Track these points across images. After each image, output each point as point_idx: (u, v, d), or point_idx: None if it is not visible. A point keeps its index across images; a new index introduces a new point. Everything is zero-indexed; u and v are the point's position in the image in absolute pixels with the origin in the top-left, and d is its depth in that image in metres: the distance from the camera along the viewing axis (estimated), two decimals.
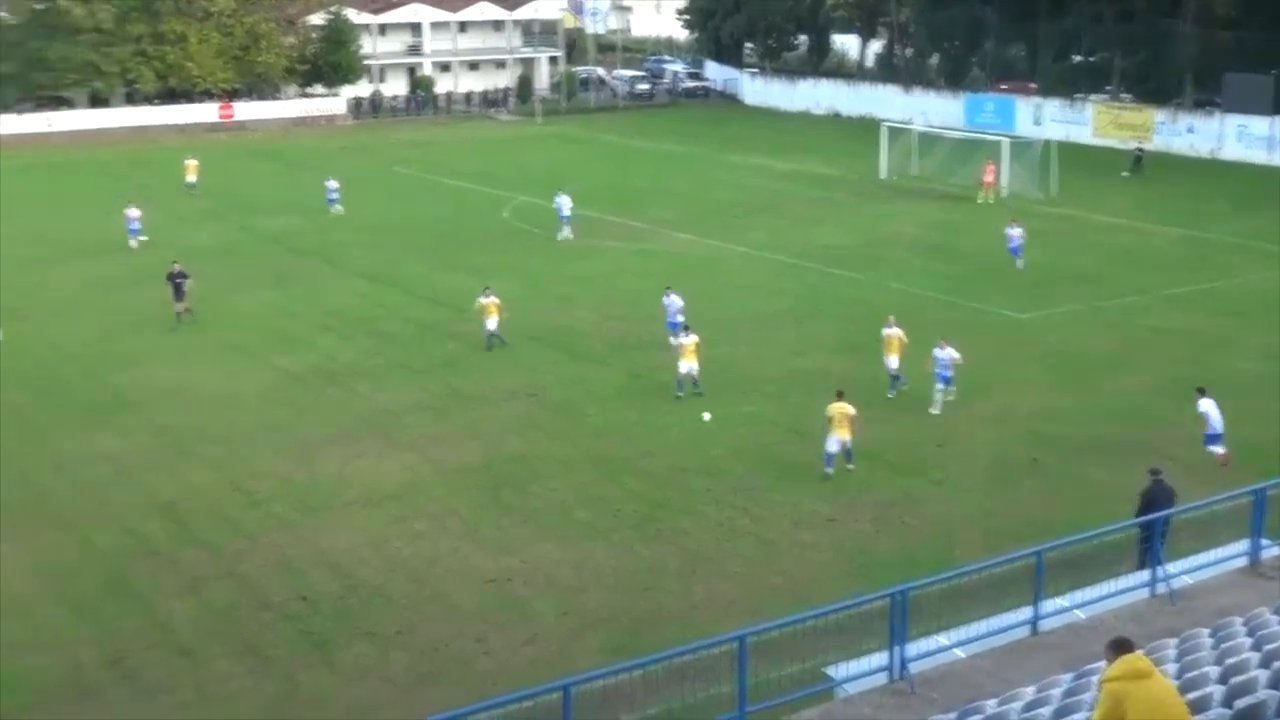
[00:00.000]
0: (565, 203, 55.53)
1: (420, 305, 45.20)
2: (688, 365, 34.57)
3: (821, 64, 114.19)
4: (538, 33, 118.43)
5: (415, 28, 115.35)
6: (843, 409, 29.10)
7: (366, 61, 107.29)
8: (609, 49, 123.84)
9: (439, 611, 23.79)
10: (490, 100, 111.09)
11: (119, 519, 27.87)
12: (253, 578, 25.15)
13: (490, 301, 39.52)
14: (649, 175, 74.20)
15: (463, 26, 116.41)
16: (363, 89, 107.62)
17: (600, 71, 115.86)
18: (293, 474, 29.91)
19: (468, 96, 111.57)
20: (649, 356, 38.25)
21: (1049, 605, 17.68)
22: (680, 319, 37.67)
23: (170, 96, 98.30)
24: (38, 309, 44.99)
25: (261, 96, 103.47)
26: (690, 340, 34.69)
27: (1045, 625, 17.56)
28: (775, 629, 16.10)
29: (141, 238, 54.55)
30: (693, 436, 32.07)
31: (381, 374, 37.83)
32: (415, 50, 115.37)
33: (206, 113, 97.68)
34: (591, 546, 26.40)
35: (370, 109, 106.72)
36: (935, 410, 32.97)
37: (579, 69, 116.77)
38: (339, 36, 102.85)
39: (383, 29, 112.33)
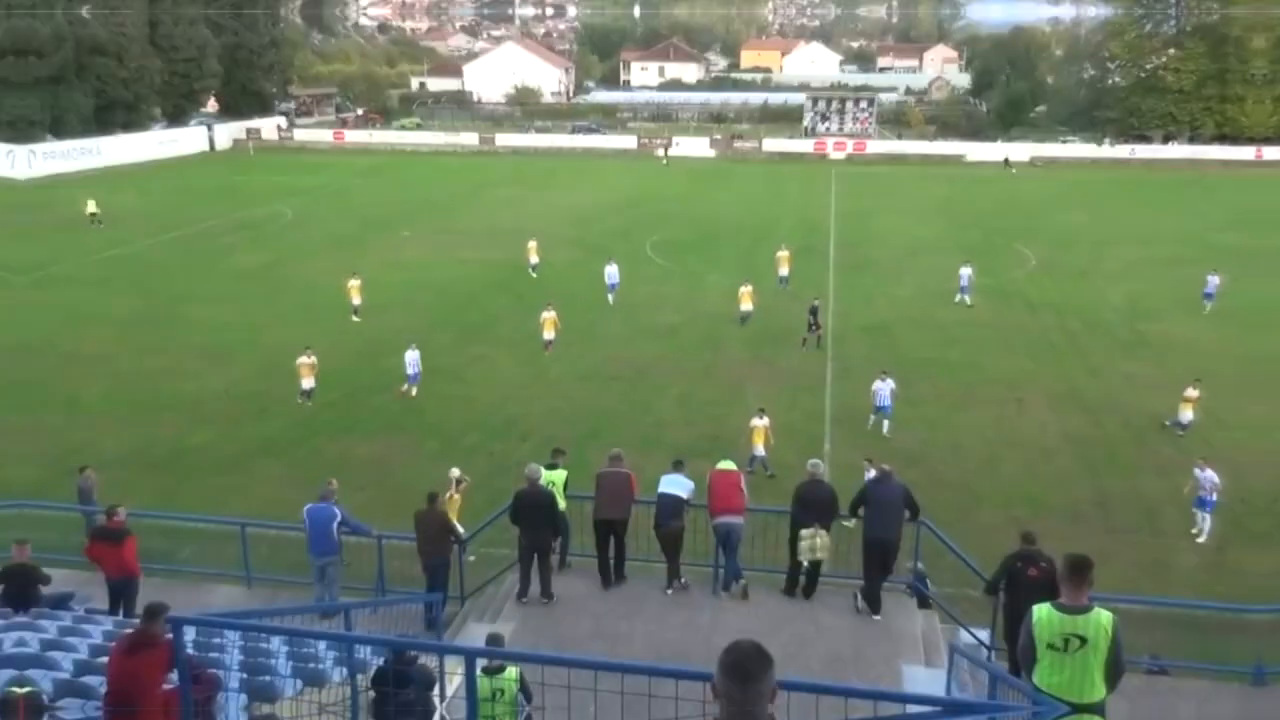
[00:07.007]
0: None
1: None
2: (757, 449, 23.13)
3: None
4: None
5: None
6: None
7: None
8: None
9: None
10: None
11: (1126, 415, 27.83)
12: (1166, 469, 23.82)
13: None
14: None
15: None
16: None
17: None
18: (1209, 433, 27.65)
19: None
20: None
21: None
22: (890, 402, 25.87)
23: (1219, 139, 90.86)
24: (1100, 274, 45.23)
25: None
26: (763, 423, 23.28)
27: None
28: None
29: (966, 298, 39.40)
30: None
31: None
32: None
33: (1243, 153, 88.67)
34: None
35: None
36: None
37: None
38: None
39: None
